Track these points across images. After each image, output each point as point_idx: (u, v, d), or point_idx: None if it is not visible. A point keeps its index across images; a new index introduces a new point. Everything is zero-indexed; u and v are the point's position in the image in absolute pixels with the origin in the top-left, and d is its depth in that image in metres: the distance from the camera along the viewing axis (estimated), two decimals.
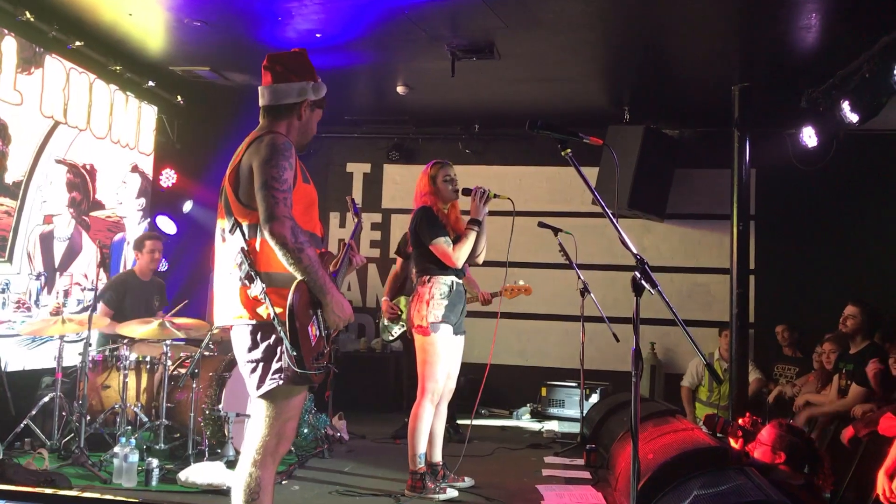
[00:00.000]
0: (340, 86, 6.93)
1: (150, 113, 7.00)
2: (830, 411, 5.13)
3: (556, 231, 5.68)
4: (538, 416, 7.55)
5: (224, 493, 4.05)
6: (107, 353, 5.22)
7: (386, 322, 5.96)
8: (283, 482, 4.45)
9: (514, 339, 8.01)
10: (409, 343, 5.90)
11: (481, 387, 4.64)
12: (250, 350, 2.62)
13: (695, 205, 7.94)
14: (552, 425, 7.01)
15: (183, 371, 5.07)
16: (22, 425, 4.69)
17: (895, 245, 7.26)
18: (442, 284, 4.29)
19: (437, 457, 4.47)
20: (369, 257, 8.32)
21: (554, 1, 5.05)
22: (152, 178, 7.07)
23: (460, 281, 4.40)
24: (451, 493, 4.32)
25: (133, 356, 5.07)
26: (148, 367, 5.16)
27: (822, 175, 7.10)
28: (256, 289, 2.54)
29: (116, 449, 4.40)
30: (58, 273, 5.83)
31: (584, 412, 6.24)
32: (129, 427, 4.90)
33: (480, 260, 4.54)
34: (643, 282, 2.44)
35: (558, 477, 4.95)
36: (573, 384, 7.40)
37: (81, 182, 6.09)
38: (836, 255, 7.47)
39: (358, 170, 8.67)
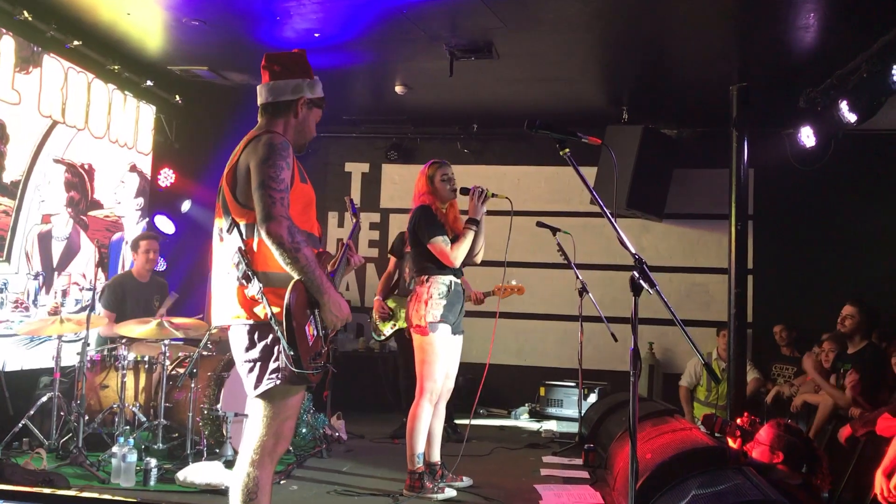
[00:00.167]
0: (339, 85, 6.93)
1: (148, 112, 6.99)
2: (828, 405, 5.14)
3: (554, 231, 5.69)
4: (536, 415, 7.55)
5: (222, 492, 4.05)
6: (105, 352, 5.21)
7: (377, 321, 5.97)
8: (282, 482, 4.45)
9: (513, 338, 8.01)
10: (403, 342, 5.91)
11: (480, 386, 4.64)
12: (248, 350, 2.62)
13: (693, 205, 7.94)
14: (550, 425, 7.00)
15: (181, 371, 5.07)
16: (20, 425, 4.68)
17: (893, 245, 7.26)
18: (440, 284, 4.29)
19: (436, 456, 4.47)
20: (368, 257, 8.31)
21: (553, 1, 5.05)
22: (150, 178, 7.06)
23: (459, 280, 4.40)
24: (450, 492, 4.32)
25: (131, 356, 5.06)
26: (146, 366, 5.15)
27: (821, 175, 7.11)
28: (254, 288, 2.54)
29: (115, 449, 4.40)
30: (56, 273, 5.82)
31: (583, 412, 6.24)
32: (128, 427, 4.90)
33: (479, 259, 4.54)
34: (641, 281, 2.44)
35: (556, 476, 4.95)
36: (571, 384, 7.40)
37: (80, 181, 6.08)
38: (835, 255, 7.48)
39: (356, 169, 8.66)
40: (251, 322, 2.60)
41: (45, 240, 5.71)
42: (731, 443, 3.70)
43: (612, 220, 2.63)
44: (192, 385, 4.81)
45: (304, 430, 5.45)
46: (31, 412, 4.75)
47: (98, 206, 6.33)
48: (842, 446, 4.43)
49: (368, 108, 8.04)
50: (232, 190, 2.65)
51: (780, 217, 7.77)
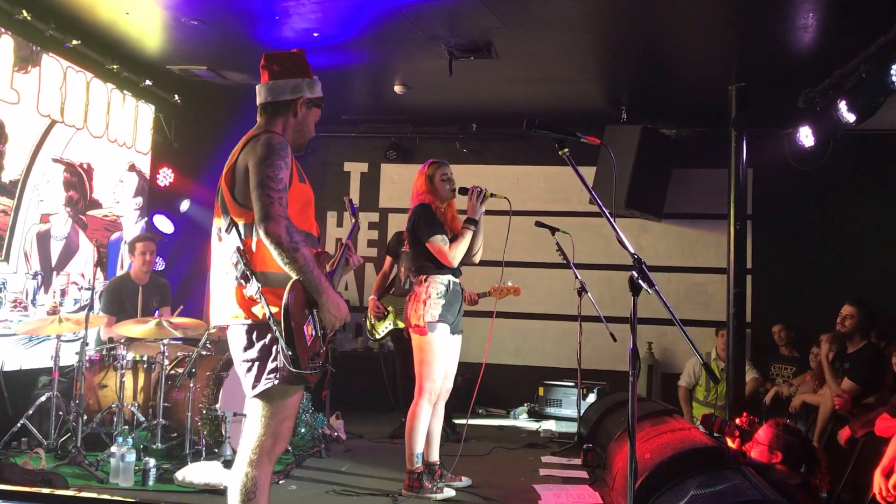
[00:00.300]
0: (338, 85, 6.92)
1: (147, 112, 6.99)
2: (827, 405, 5.14)
3: (553, 230, 5.69)
4: (535, 415, 7.55)
5: (221, 492, 4.04)
6: (104, 352, 5.21)
7: (373, 321, 5.97)
8: (281, 482, 4.45)
9: (512, 338, 8.01)
10: (399, 342, 5.91)
11: (476, 386, 4.64)
12: (246, 349, 2.62)
13: (692, 204, 7.94)
14: (549, 425, 7.00)
15: (180, 370, 5.06)
16: (19, 425, 4.67)
17: (892, 244, 7.27)
18: (439, 284, 4.29)
19: (435, 456, 4.47)
20: (366, 257, 8.31)
21: (552, 0, 5.05)
22: (149, 177, 7.06)
23: (457, 280, 4.40)
24: (449, 492, 4.32)
25: (130, 356, 5.06)
26: (145, 366, 5.15)
27: (820, 175, 7.11)
28: (252, 288, 2.54)
29: (113, 448, 4.40)
30: (55, 272, 5.82)
31: (582, 412, 6.24)
32: (126, 427, 4.89)
33: (477, 259, 4.54)
34: (640, 281, 2.44)
35: (555, 476, 4.95)
36: (570, 384, 7.40)
37: (78, 181, 6.08)
38: (833, 255, 7.49)
39: (355, 169, 8.66)
40: (249, 322, 2.60)
41: (43, 239, 5.70)
42: (729, 443, 3.71)
43: (611, 219, 2.63)
44: (191, 385, 4.80)
45: (302, 430, 5.45)
46: (30, 412, 4.75)
47: (97, 205, 6.33)
48: (841, 446, 4.44)
49: (367, 108, 8.03)
50: (231, 189, 2.65)
51: (778, 217, 7.78)
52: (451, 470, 4.53)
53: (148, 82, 6.60)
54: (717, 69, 6.29)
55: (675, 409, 5.57)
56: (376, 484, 4.54)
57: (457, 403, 5.84)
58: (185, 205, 7.20)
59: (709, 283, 7.90)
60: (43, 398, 4.82)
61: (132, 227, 6.80)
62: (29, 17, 5.22)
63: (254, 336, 2.60)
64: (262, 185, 2.54)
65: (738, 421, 3.76)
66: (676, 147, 7.61)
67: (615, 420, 5.38)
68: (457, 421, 6.14)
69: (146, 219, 6.97)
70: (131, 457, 4.33)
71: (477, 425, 6.83)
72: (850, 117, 5.58)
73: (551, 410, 7.52)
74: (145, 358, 5.14)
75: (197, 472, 4.28)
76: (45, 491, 1.59)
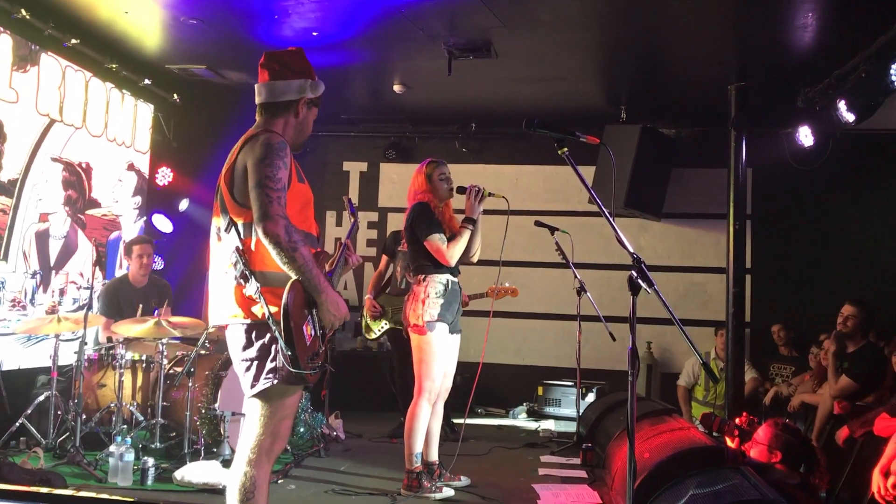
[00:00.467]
0: (337, 84, 6.91)
1: (146, 111, 6.98)
2: (826, 405, 5.14)
3: (552, 230, 5.69)
4: (535, 415, 7.55)
5: (220, 492, 4.03)
6: (102, 351, 5.20)
7: (368, 320, 5.96)
8: (279, 481, 4.45)
9: (511, 338, 8.00)
10: (396, 342, 5.90)
11: (473, 385, 4.63)
12: (245, 349, 2.61)
13: (691, 204, 7.94)
14: (548, 424, 7.00)
15: (179, 370, 5.06)
16: (17, 424, 4.67)
17: (891, 244, 7.27)
18: (437, 283, 4.29)
19: (434, 456, 4.47)
20: (366, 256, 8.30)
21: (551, 0, 5.04)
22: (148, 177, 7.05)
23: (456, 279, 4.40)
24: (448, 492, 4.32)
25: (129, 355, 5.05)
26: (144, 365, 5.14)
27: (819, 174, 7.10)
28: (251, 288, 2.54)
29: (112, 448, 4.40)
30: (53, 271, 5.81)
31: (581, 411, 6.24)
32: (125, 426, 4.89)
33: (475, 258, 4.54)
34: (640, 281, 2.44)
35: (554, 476, 4.95)
36: (570, 383, 7.40)
37: (77, 180, 6.07)
38: (833, 255, 7.49)
39: (355, 168, 8.66)
40: (248, 321, 2.59)
41: (42, 238, 5.70)
42: (729, 442, 3.71)
43: (611, 219, 2.62)
44: (190, 384, 4.80)
45: (301, 430, 5.45)
46: (29, 411, 4.74)
47: (96, 204, 6.32)
48: (839, 445, 4.44)
49: (367, 108, 8.03)
50: (230, 189, 2.65)
51: (778, 216, 7.78)
52: (449, 469, 4.53)
53: (147, 81, 6.60)
54: (716, 69, 6.29)
55: (675, 409, 5.57)
56: (375, 483, 4.54)
57: (455, 403, 5.84)
58: (184, 204, 7.19)
59: (708, 283, 7.90)
60: (41, 397, 4.82)
61: (131, 226, 6.80)
62: (28, 16, 5.21)
63: (253, 335, 2.60)
64: (260, 184, 2.54)
65: (737, 420, 3.75)
66: (676, 147, 7.61)
67: (614, 420, 5.38)
68: (456, 420, 6.14)
69: (145, 218, 6.97)
70: (130, 456, 4.33)
71: (476, 425, 6.83)
72: (850, 117, 5.58)
73: (550, 410, 7.52)
74: (144, 357, 5.14)
75: (195, 472, 4.28)
76: (44, 490, 1.59)
